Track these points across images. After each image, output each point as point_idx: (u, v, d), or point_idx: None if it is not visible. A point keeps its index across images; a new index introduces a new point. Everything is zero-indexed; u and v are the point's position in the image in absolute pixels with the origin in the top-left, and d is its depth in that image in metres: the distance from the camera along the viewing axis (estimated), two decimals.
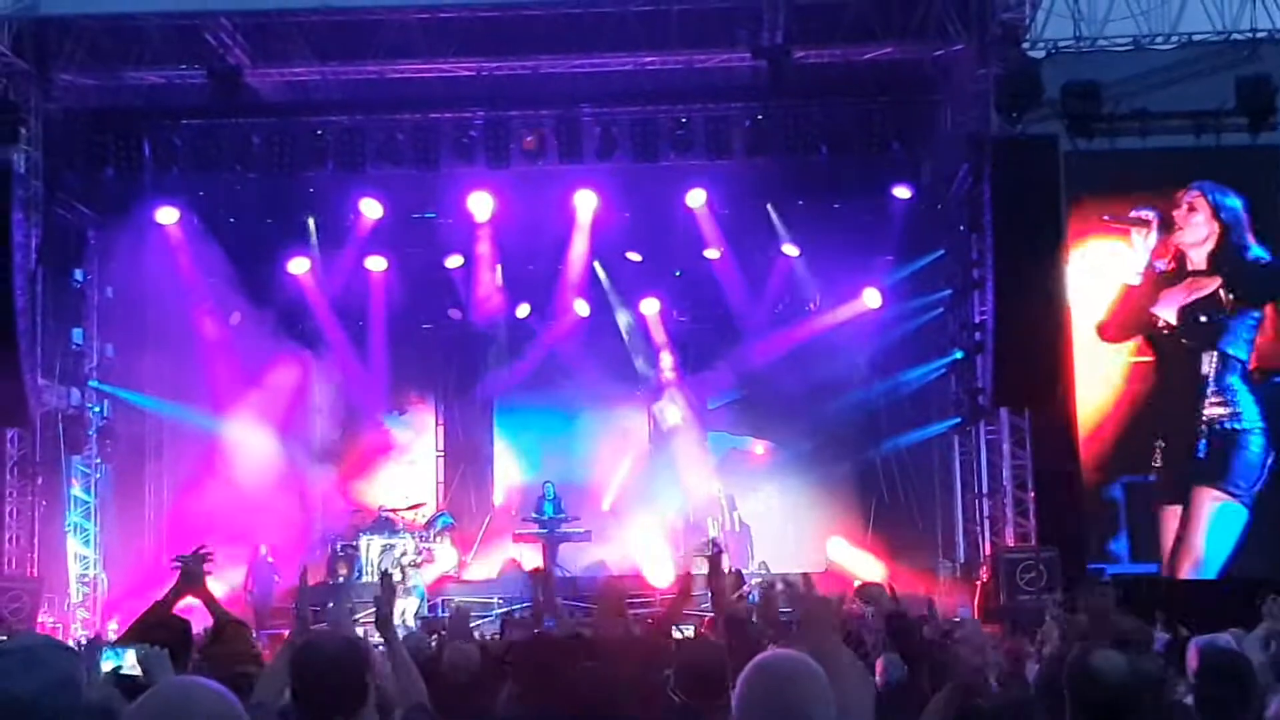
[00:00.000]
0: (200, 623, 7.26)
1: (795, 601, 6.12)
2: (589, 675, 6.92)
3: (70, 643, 17.83)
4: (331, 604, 15.34)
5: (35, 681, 3.52)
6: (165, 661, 5.84)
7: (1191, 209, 21.02)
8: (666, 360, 25.81)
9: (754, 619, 8.37)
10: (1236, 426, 20.66)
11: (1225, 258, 20.96)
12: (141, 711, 3.12)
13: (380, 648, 6.64)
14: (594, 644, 7.55)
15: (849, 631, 8.24)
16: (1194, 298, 20.89)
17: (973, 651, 8.36)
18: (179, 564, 7.71)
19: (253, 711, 5.03)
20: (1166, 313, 20.94)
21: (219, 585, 13.32)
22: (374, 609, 7.27)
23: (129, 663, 6.69)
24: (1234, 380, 20.75)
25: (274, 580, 22.28)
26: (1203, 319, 20.87)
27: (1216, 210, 21.03)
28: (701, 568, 9.27)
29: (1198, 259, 21.02)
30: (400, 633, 7.31)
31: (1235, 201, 21.04)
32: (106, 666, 6.92)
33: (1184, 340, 20.88)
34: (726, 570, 20.88)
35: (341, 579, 23.16)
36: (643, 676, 6.62)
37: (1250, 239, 21.01)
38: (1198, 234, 21.02)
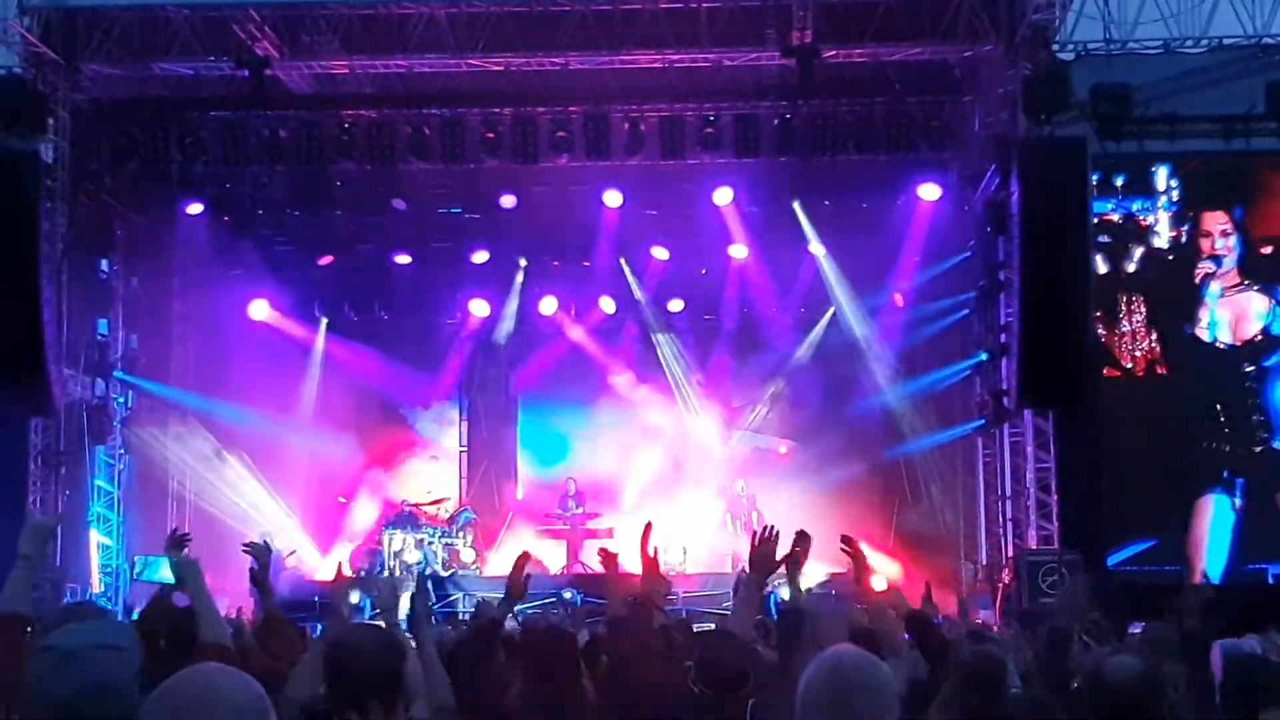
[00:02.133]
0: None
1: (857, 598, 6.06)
2: (606, 677, 6.90)
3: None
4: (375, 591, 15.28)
5: (68, 686, 3.48)
6: (197, 569, 5.85)
7: (1224, 234, 21.07)
8: (690, 358, 25.77)
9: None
10: None
11: (1247, 256, 21.16)
12: (165, 697, 3.06)
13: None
14: (614, 642, 7.52)
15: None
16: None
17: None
18: (249, 550, 7.89)
19: (282, 706, 5.01)
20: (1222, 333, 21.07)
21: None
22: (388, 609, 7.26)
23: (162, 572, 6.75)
24: None
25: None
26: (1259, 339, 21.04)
27: (1239, 224, 21.13)
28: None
29: (1227, 264, 21.09)
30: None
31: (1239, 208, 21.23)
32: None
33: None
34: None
35: (363, 573, 23.16)
36: (661, 674, 6.60)
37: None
38: (1235, 256, 21.14)
